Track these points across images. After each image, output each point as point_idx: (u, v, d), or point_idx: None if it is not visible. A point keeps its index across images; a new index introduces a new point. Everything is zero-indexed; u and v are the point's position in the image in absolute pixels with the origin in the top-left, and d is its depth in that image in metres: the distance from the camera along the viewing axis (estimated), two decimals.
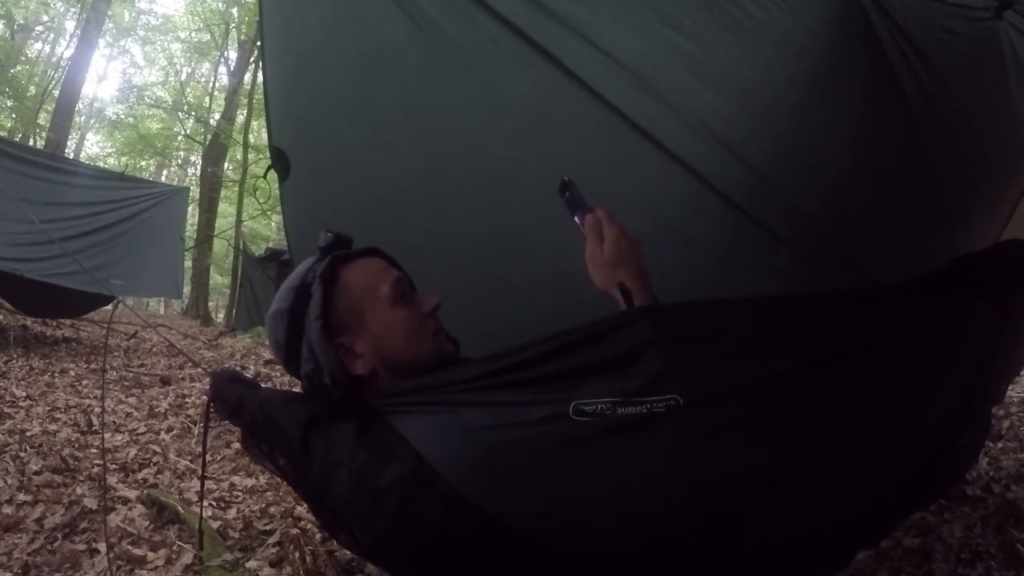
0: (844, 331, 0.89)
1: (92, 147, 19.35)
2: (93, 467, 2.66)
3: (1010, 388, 3.38)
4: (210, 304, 15.42)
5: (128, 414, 3.79)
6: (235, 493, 2.43)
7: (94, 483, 2.46)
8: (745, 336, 0.88)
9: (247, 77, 13.66)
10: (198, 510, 2.17)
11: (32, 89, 13.77)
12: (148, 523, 2.09)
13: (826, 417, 0.88)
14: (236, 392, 1.02)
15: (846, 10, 1.37)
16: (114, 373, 5.17)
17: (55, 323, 7.28)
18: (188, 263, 10.36)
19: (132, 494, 2.35)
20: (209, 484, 2.50)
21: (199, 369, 5.23)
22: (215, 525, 2.06)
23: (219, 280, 18.37)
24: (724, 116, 1.45)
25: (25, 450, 2.81)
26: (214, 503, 2.30)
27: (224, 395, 1.03)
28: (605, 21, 1.35)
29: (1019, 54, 1.42)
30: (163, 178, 18.56)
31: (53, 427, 3.31)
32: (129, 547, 1.90)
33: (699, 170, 1.49)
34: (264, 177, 1.61)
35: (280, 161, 1.57)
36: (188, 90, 17.73)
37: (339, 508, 0.95)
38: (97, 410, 3.77)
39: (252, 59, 13.02)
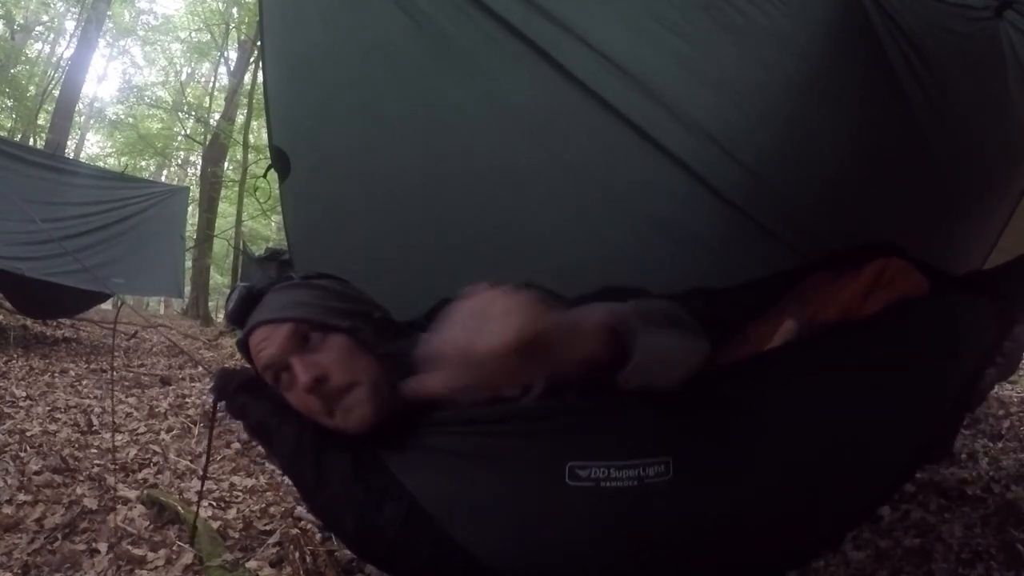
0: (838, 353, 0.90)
1: (92, 147, 19.35)
2: (93, 467, 2.66)
3: (1010, 388, 3.38)
4: (210, 304, 15.41)
5: (128, 414, 3.79)
6: (235, 493, 2.43)
7: (94, 483, 2.46)
8: (735, 397, 0.88)
9: (247, 77, 13.64)
10: (199, 510, 2.17)
11: (32, 89, 13.75)
12: (148, 523, 2.09)
13: (820, 446, 0.89)
14: (239, 400, 1.03)
15: (846, 10, 1.37)
16: (114, 373, 5.17)
17: (55, 323, 7.28)
18: (188, 263, 10.35)
19: (132, 494, 2.35)
20: (209, 484, 2.50)
21: (199, 369, 5.23)
22: (215, 525, 2.06)
23: (219, 280, 18.37)
24: (722, 117, 1.46)
25: (25, 450, 2.81)
26: (214, 503, 2.30)
27: (228, 398, 1.04)
28: (601, 23, 1.35)
29: (1019, 54, 1.42)
30: (163, 178, 18.55)
31: (53, 427, 3.31)
32: (129, 547, 1.90)
33: (697, 170, 1.49)
34: (264, 177, 1.61)
35: (280, 161, 1.57)
36: (188, 90, 17.72)
37: (340, 528, 1.02)
38: (97, 410, 3.78)
39: (252, 59, 13.01)
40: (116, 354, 6.19)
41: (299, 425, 0.97)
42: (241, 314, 0.98)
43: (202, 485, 1.82)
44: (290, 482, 1.10)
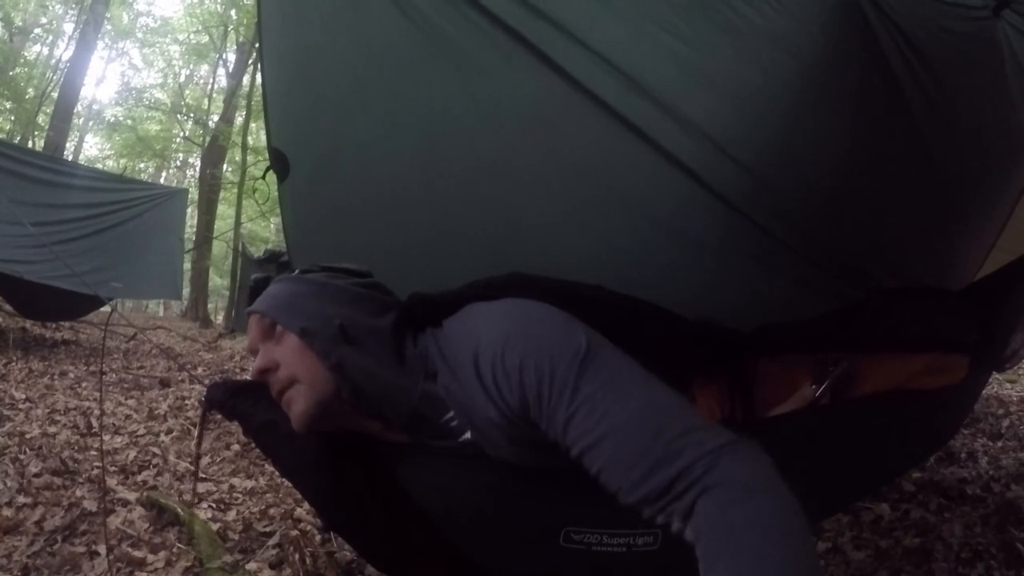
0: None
1: (91, 149, 19.37)
2: (92, 469, 2.66)
3: (1010, 388, 3.38)
4: (209, 306, 15.40)
5: (127, 416, 3.78)
6: (235, 495, 2.43)
7: (93, 485, 2.46)
8: None
9: (245, 79, 13.65)
10: (198, 512, 2.17)
11: (31, 91, 13.73)
12: (148, 525, 2.09)
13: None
14: (232, 405, 1.05)
15: (843, 11, 1.37)
16: (113, 375, 5.17)
17: (54, 325, 7.27)
18: (187, 265, 10.35)
19: (132, 496, 2.34)
20: (208, 486, 2.50)
21: (199, 371, 5.23)
22: (215, 527, 2.06)
23: (218, 282, 18.35)
24: (720, 118, 1.45)
25: (25, 452, 2.81)
26: (213, 505, 2.30)
27: (221, 404, 1.06)
28: (599, 24, 1.35)
29: (1017, 53, 1.42)
30: (162, 180, 18.57)
31: (52, 429, 3.31)
32: (129, 549, 1.90)
33: (695, 170, 1.49)
34: (263, 178, 1.62)
35: (279, 162, 1.57)
36: (187, 92, 17.72)
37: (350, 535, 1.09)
38: (96, 412, 3.77)
39: (250, 61, 13.02)
40: (115, 356, 6.19)
41: (295, 442, 1.00)
42: (252, 301, 1.04)
43: (195, 486, 1.82)
44: (290, 485, 1.12)
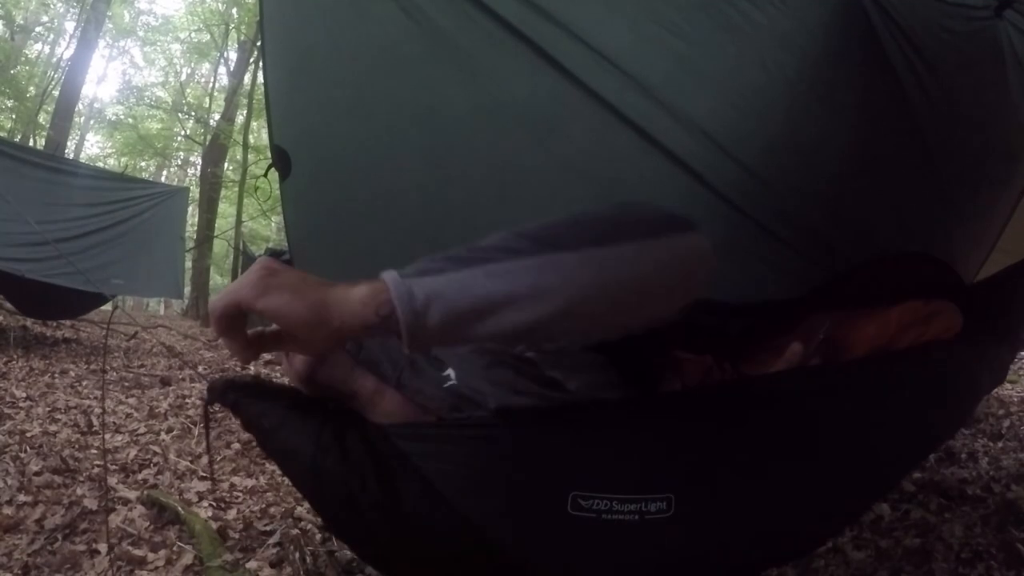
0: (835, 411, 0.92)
1: (92, 147, 19.34)
2: (93, 468, 2.66)
3: (1010, 388, 3.38)
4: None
5: (128, 415, 3.78)
6: (235, 493, 2.43)
7: (94, 484, 2.46)
8: (746, 421, 0.88)
9: (247, 77, 13.65)
10: (198, 511, 2.17)
11: (32, 90, 13.74)
12: (148, 524, 2.09)
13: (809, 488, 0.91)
14: (230, 398, 1.04)
15: (845, 10, 1.37)
16: (114, 374, 5.17)
17: (55, 324, 7.27)
18: (188, 264, 10.34)
19: (132, 495, 2.35)
20: (209, 484, 2.50)
21: (200, 369, 5.23)
22: (215, 525, 2.06)
23: (219, 280, 18.36)
24: (721, 117, 1.46)
25: (25, 451, 2.81)
26: (214, 503, 2.30)
27: (220, 397, 1.05)
28: (600, 23, 1.36)
29: (1019, 53, 1.42)
30: (163, 178, 18.55)
31: (53, 428, 3.31)
32: (129, 548, 1.90)
33: (697, 170, 1.49)
34: (264, 176, 1.62)
35: (281, 160, 1.58)
36: (188, 90, 17.72)
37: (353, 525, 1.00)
38: (97, 411, 3.77)
39: (252, 59, 13.02)
40: (116, 355, 6.19)
41: (296, 422, 0.98)
42: None
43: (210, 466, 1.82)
44: (291, 482, 1.10)
